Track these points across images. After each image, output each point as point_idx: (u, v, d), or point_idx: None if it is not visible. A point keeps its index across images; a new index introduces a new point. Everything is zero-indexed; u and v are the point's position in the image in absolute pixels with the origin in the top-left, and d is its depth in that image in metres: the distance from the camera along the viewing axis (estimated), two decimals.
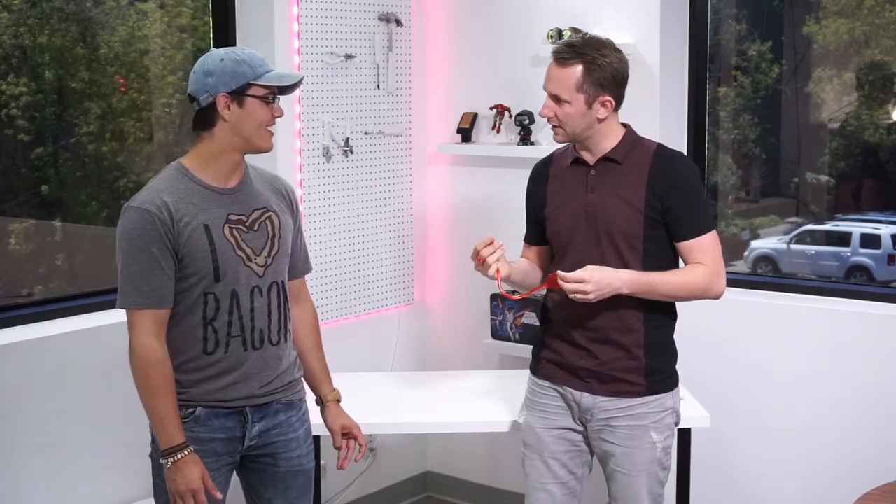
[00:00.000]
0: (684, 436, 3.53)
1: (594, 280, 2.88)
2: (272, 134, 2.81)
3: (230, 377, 2.79)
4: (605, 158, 3.05)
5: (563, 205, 3.09)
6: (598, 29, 4.23)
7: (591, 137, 3.04)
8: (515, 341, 4.46)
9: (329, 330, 4.43)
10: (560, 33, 4.26)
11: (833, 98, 4.52)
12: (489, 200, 4.65)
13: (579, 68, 2.95)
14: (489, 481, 4.84)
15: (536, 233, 3.22)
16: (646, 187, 3.00)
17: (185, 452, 2.69)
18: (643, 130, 4.22)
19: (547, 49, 4.34)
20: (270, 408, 2.87)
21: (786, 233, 5.63)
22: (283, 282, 2.88)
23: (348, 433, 3.02)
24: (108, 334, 3.67)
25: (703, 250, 3.00)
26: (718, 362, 4.13)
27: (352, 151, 4.41)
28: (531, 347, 3.26)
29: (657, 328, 3.05)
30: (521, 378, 4.14)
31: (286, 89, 2.80)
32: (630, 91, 4.22)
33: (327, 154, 4.33)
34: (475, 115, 4.61)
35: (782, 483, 4.06)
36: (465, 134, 4.61)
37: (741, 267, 4.88)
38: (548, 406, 3.17)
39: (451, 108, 4.68)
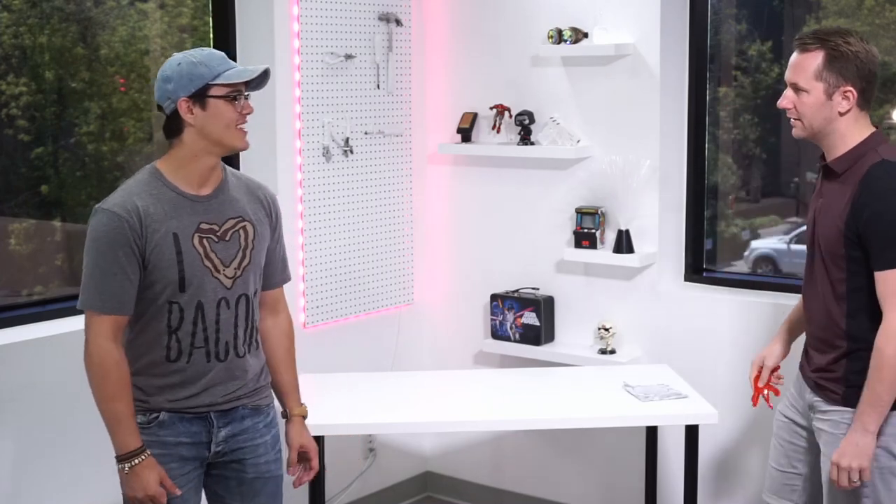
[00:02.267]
0: (692, 432, 3.56)
1: (845, 455, 2.76)
2: (245, 132, 2.72)
3: (193, 387, 2.74)
4: (827, 166, 2.88)
5: (811, 205, 2.99)
6: (597, 29, 4.23)
7: (829, 136, 2.85)
8: (515, 341, 4.45)
9: (329, 330, 4.43)
10: (560, 33, 4.26)
11: None
12: (489, 200, 4.65)
13: (821, 55, 2.79)
14: (489, 481, 4.83)
15: None
16: (850, 206, 2.79)
17: (143, 457, 2.65)
18: (643, 130, 4.25)
19: (547, 49, 4.34)
20: (236, 413, 2.82)
21: (786, 233, 5.62)
22: (252, 294, 2.80)
23: (304, 453, 2.96)
24: None
25: (886, 292, 2.75)
26: (724, 361, 4.13)
27: (352, 151, 4.41)
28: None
29: (863, 340, 2.82)
30: (521, 378, 4.14)
31: (252, 85, 2.70)
32: (630, 91, 4.26)
33: (327, 154, 4.33)
34: (475, 115, 4.61)
35: None
36: (465, 134, 4.60)
37: (741, 267, 4.89)
38: (788, 397, 3.15)
39: (451, 108, 4.68)
